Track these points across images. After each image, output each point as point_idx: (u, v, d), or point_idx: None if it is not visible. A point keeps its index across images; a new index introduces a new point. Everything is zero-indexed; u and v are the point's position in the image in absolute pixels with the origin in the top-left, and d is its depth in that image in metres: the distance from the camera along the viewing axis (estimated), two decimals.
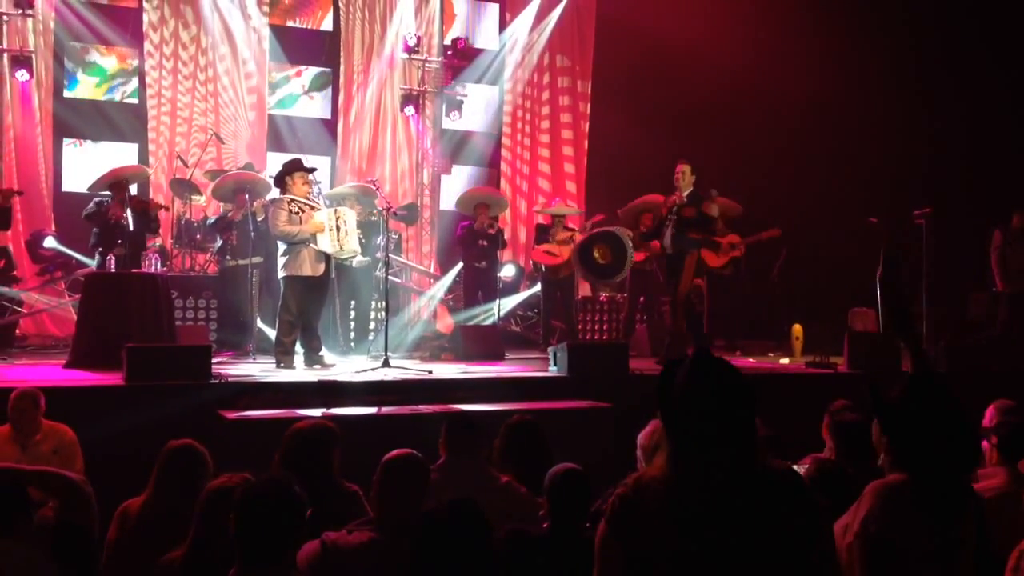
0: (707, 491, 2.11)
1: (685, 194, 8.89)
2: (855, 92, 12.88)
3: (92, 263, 9.54)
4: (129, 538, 3.68)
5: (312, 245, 8.07)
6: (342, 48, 13.49)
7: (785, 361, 9.81)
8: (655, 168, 12.28)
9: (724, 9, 12.98)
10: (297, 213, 8.09)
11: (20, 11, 11.41)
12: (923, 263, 9.57)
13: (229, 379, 6.88)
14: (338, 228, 8.09)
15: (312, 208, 8.21)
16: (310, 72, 13.49)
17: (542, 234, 11.22)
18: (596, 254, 9.83)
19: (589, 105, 14.74)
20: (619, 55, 14.07)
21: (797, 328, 10.65)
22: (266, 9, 13.02)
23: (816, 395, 5.66)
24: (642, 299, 11.10)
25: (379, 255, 9.65)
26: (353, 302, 10.37)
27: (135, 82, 12.57)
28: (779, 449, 4.34)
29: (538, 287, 11.36)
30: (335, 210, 8.29)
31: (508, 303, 11.43)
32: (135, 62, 12.54)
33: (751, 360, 9.86)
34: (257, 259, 9.44)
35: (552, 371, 7.90)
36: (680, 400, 2.18)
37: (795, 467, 4.05)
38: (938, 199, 10.07)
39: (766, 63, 12.73)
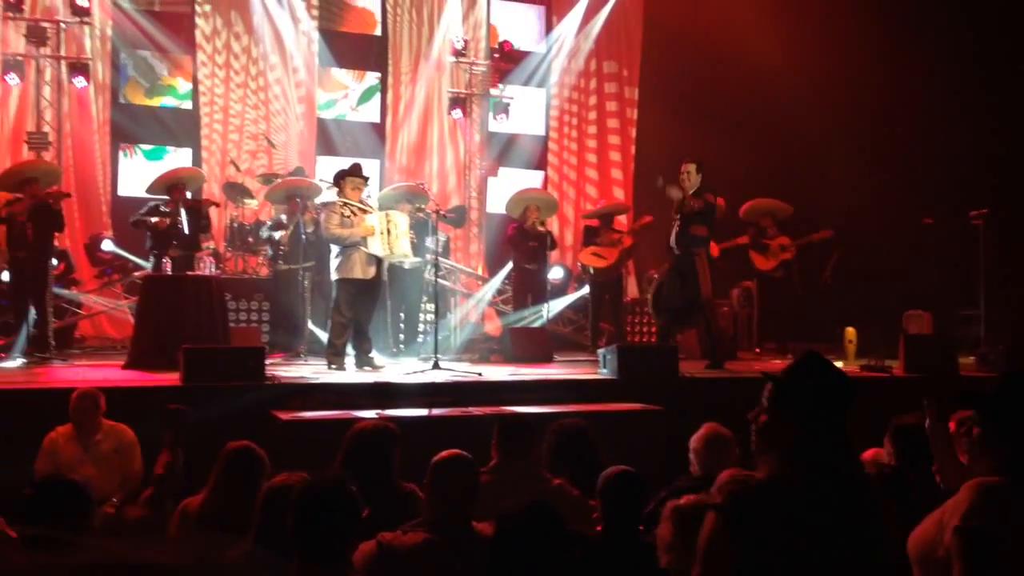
0: (818, 490, 2.14)
1: (691, 192, 8.86)
2: (909, 91, 12.67)
3: (148, 265, 9.74)
4: (191, 534, 3.75)
5: (363, 248, 8.16)
6: (390, 52, 13.61)
7: (839, 364, 9.67)
8: (704, 170, 12.21)
9: (773, 10, 12.85)
10: (349, 217, 8.19)
11: (78, 19, 11.67)
12: (981, 264, 9.39)
13: (282, 380, 6.98)
14: (388, 231, 8.17)
15: (364, 212, 8.29)
16: (356, 91, 13.63)
17: (590, 236, 11.21)
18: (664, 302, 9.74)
19: (636, 107, 14.70)
20: (667, 56, 14.00)
21: (850, 331, 10.49)
22: (315, 13, 13.19)
23: (871, 399, 5.56)
24: None
25: (429, 257, 9.71)
26: (403, 304, 10.45)
27: (188, 88, 12.81)
28: None
29: (586, 289, 11.34)
30: (386, 214, 8.37)
31: (556, 305, 11.42)
32: (188, 86, 12.76)
33: None
34: (308, 263, 9.55)
35: (602, 373, 7.88)
36: (800, 401, 2.21)
37: None
38: (995, 199, 9.87)
39: (816, 64, 12.58)
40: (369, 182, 8.77)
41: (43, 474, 5.18)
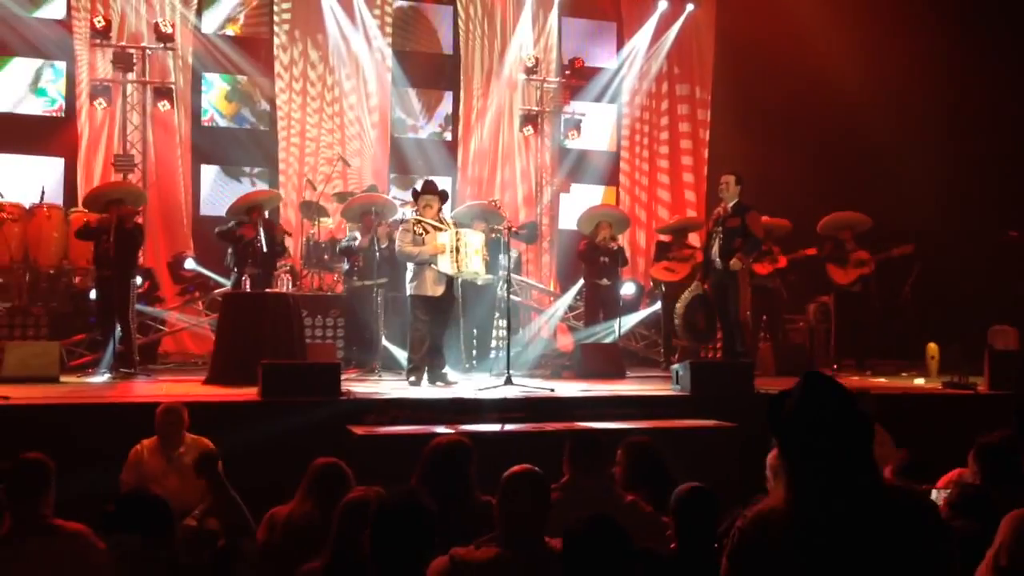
0: (829, 519, 2.04)
1: (730, 205, 8.75)
2: (991, 102, 12.35)
3: (228, 283, 10.00)
4: (276, 543, 3.87)
5: (433, 266, 8.24)
6: (462, 71, 13.77)
7: (920, 382, 9.43)
8: (778, 184, 12.08)
9: (848, 23, 12.65)
10: (422, 234, 8.28)
11: (162, 45, 12.08)
12: None
13: (357, 396, 7.08)
14: (458, 250, 8.22)
15: (437, 229, 8.38)
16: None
17: (662, 251, 11.15)
18: (698, 320, 9.68)
19: (708, 121, 14.60)
20: (739, 71, 13.89)
21: (932, 347, 10.22)
22: (389, 32, 13.42)
23: (956, 417, 5.43)
24: (765, 317, 10.89)
25: (501, 274, 9.76)
26: (475, 321, 10.51)
27: (265, 115, 13.16)
28: (926, 474, 4.20)
29: (658, 305, 11.27)
30: (457, 232, 8.43)
31: (628, 321, 11.37)
32: (265, 104, 13.12)
33: (883, 380, 9.52)
34: (382, 279, 9.69)
35: (675, 390, 7.81)
36: (793, 425, 2.12)
37: (934, 491, 3.92)
38: None
39: (893, 76, 12.36)
40: (445, 197, 8.84)
41: (128, 486, 5.35)
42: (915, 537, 2.06)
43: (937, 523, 2.12)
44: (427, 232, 8.30)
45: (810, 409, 2.11)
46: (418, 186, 8.70)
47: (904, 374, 10.13)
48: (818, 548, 2.04)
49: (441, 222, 8.47)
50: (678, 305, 9.51)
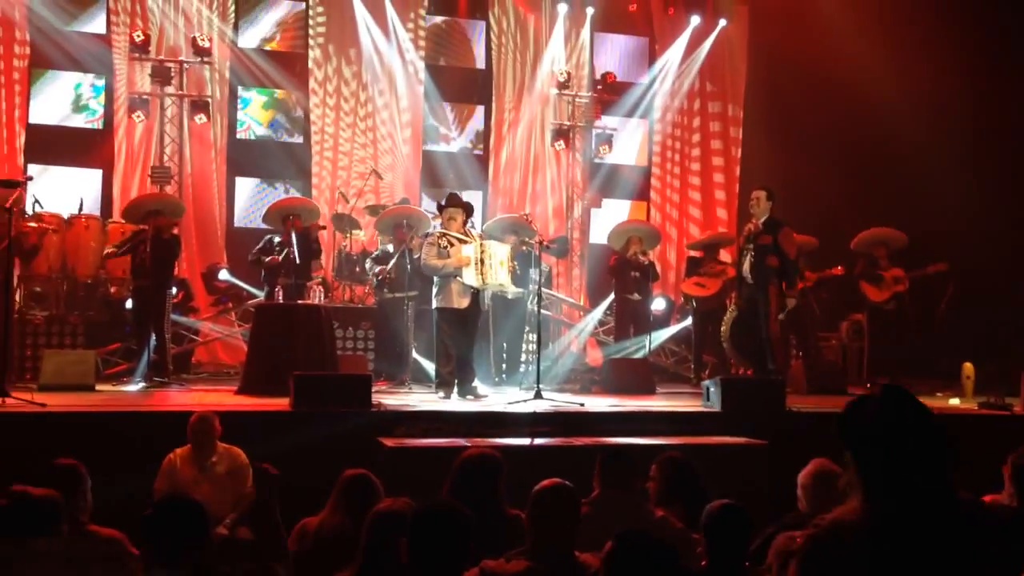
0: (905, 531, 2.05)
1: (761, 221, 8.70)
2: None
3: (261, 294, 10.10)
4: (307, 553, 3.91)
5: (458, 279, 8.25)
6: (494, 86, 13.84)
7: (955, 402, 9.31)
8: (811, 199, 12.01)
9: (883, 38, 12.56)
10: (446, 247, 8.29)
11: (199, 59, 12.25)
12: None
13: (387, 408, 7.11)
14: (482, 262, 8.22)
15: (462, 242, 8.39)
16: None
17: (693, 267, 11.11)
18: (745, 341, 9.65)
19: (741, 136, 14.56)
20: (772, 86, 13.84)
21: (968, 367, 10.08)
22: (422, 48, 13.53)
23: (991, 438, 5.35)
24: (795, 334, 10.81)
25: (532, 288, 9.78)
26: (505, 334, 10.53)
27: (299, 123, 13.31)
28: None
29: (689, 320, 11.23)
30: (481, 244, 8.42)
31: (658, 336, 11.34)
32: (299, 111, 13.29)
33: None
34: (413, 292, 9.74)
35: (705, 406, 7.77)
36: (870, 436, 2.13)
37: None
38: None
39: (929, 91, 12.24)
40: (470, 209, 8.86)
41: (163, 493, 5.41)
42: (989, 550, 2.07)
43: (1011, 537, 2.13)
44: (452, 245, 8.31)
45: (889, 421, 2.13)
46: (443, 200, 8.74)
47: (939, 394, 10.00)
48: (894, 560, 2.04)
49: (466, 235, 8.49)
50: (723, 329, 9.50)
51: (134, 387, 8.72)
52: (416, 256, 9.68)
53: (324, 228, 11.22)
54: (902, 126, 12.57)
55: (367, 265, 10.81)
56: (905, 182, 12.55)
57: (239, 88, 13.13)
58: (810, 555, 2.12)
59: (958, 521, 2.09)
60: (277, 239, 9.61)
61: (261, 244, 9.73)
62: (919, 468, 2.09)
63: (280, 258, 9.39)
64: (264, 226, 10.40)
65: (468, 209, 8.70)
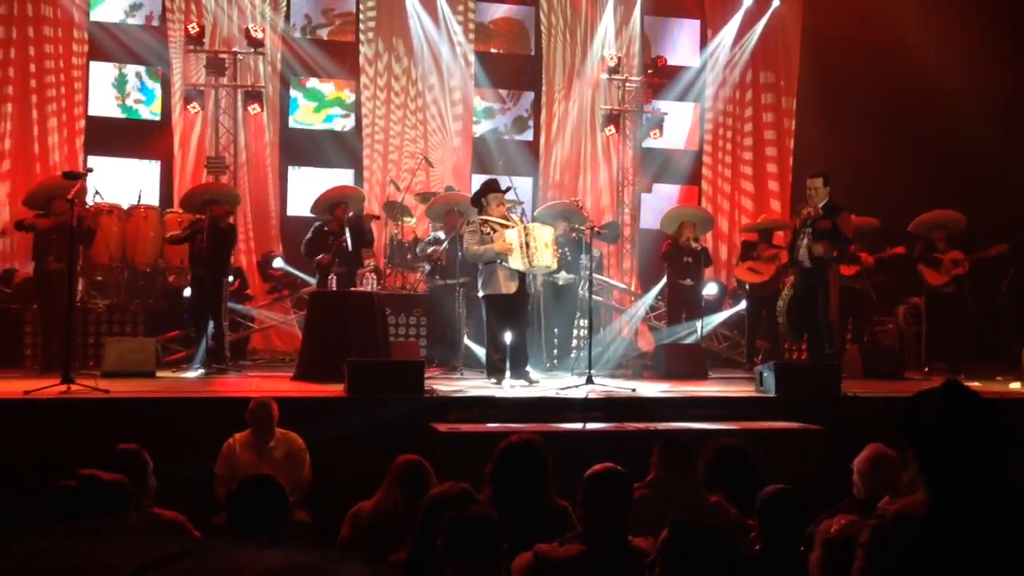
0: (971, 524, 2.06)
1: (820, 206, 8.55)
2: None
3: (314, 282, 10.23)
4: (361, 537, 3.98)
5: (503, 264, 8.26)
6: (544, 71, 13.80)
7: (1016, 386, 9.12)
8: (867, 181, 11.81)
9: (937, 14, 12.28)
10: (489, 234, 8.27)
11: (253, 49, 12.41)
12: None
13: (440, 394, 7.18)
14: (527, 245, 8.17)
15: (504, 227, 8.35)
16: (509, 115, 13.91)
17: (747, 251, 11.01)
18: (800, 319, 9.55)
19: (794, 120, 14.34)
20: (826, 66, 13.61)
21: None
22: (472, 34, 13.55)
23: None
24: (852, 319, 10.66)
25: (584, 273, 9.76)
26: (557, 320, 10.53)
27: (352, 112, 13.43)
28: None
29: (742, 305, 11.13)
30: (524, 227, 8.38)
31: (711, 321, 11.26)
32: (352, 95, 13.43)
33: (976, 384, 9.23)
34: (464, 278, 9.78)
35: (759, 391, 7.71)
36: (933, 433, 2.14)
37: None
38: None
39: (987, 65, 11.94)
40: (520, 194, 8.83)
41: (221, 478, 5.54)
42: None
43: None
44: (494, 231, 8.29)
45: (949, 416, 2.14)
46: (481, 187, 8.71)
47: (999, 378, 9.80)
48: (959, 553, 2.05)
49: (507, 219, 8.48)
50: (779, 304, 9.44)
51: (193, 373, 8.90)
52: (462, 244, 9.71)
53: (377, 218, 11.31)
54: (961, 107, 12.29)
55: (419, 249, 10.88)
56: (965, 163, 12.28)
57: (289, 91, 13.25)
58: (876, 546, 2.13)
59: (1021, 513, 2.08)
60: (326, 227, 9.73)
61: (310, 235, 9.85)
62: (980, 462, 2.10)
63: (331, 253, 9.52)
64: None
65: (505, 192, 8.64)
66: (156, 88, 13.03)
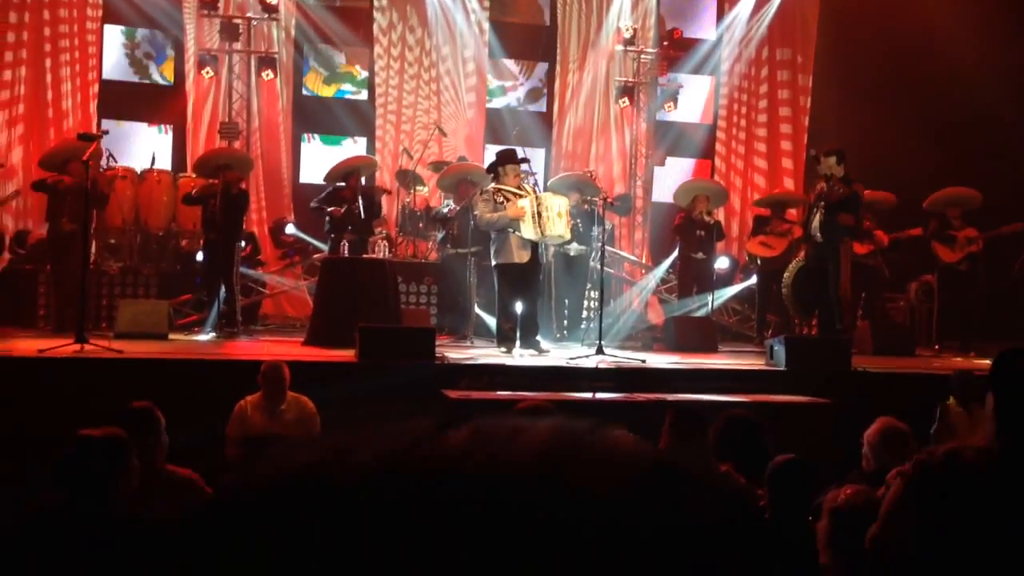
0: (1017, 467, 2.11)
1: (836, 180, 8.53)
2: None
3: (326, 248, 10.25)
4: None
5: (516, 233, 8.24)
6: (559, 41, 13.71)
7: None
8: (882, 156, 11.72)
9: None
10: (502, 203, 8.26)
11: (267, 15, 12.35)
12: None
13: (451, 361, 7.21)
14: (539, 214, 8.16)
15: (517, 196, 8.32)
16: (524, 88, 13.84)
17: (759, 225, 10.98)
18: (805, 292, 9.51)
19: (810, 88, 14.22)
20: (844, 39, 13.48)
21: None
22: (487, 4, 13.45)
23: None
24: (864, 294, 10.63)
25: (596, 245, 9.76)
26: (567, 291, 10.54)
27: (363, 89, 13.37)
28: None
29: (753, 280, 11.12)
30: (536, 196, 8.37)
31: (722, 295, 11.25)
32: (363, 72, 13.36)
33: (987, 362, 9.20)
34: (476, 247, 9.78)
35: (769, 364, 7.72)
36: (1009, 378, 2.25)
37: None
38: None
39: (1009, 41, 11.81)
40: (533, 165, 8.82)
41: (233, 439, 5.59)
42: None
43: None
44: (507, 200, 8.27)
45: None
46: (497, 155, 8.70)
47: None
48: (1015, 493, 2.10)
49: (521, 189, 8.47)
50: (785, 275, 9.40)
51: (205, 337, 8.96)
52: (475, 213, 9.71)
53: (388, 192, 11.29)
54: (979, 84, 12.16)
55: (434, 213, 10.87)
56: (982, 141, 12.18)
57: (303, 57, 13.20)
58: (922, 480, 2.15)
59: None
60: (339, 195, 9.74)
61: (324, 194, 9.86)
62: None
63: (343, 211, 9.51)
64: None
65: (522, 162, 8.64)
66: (167, 48, 12.93)
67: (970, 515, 2.07)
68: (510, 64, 13.91)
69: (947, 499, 2.09)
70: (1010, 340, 10.38)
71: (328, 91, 13.50)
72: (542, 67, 14.04)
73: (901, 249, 10.94)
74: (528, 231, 8.19)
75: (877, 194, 10.39)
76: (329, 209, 9.65)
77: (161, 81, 13.01)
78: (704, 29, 14.31)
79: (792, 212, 11.36)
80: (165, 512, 3.86)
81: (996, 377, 2.32)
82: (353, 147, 13.06)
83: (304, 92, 13.30)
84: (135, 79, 12.89)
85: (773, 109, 14.29)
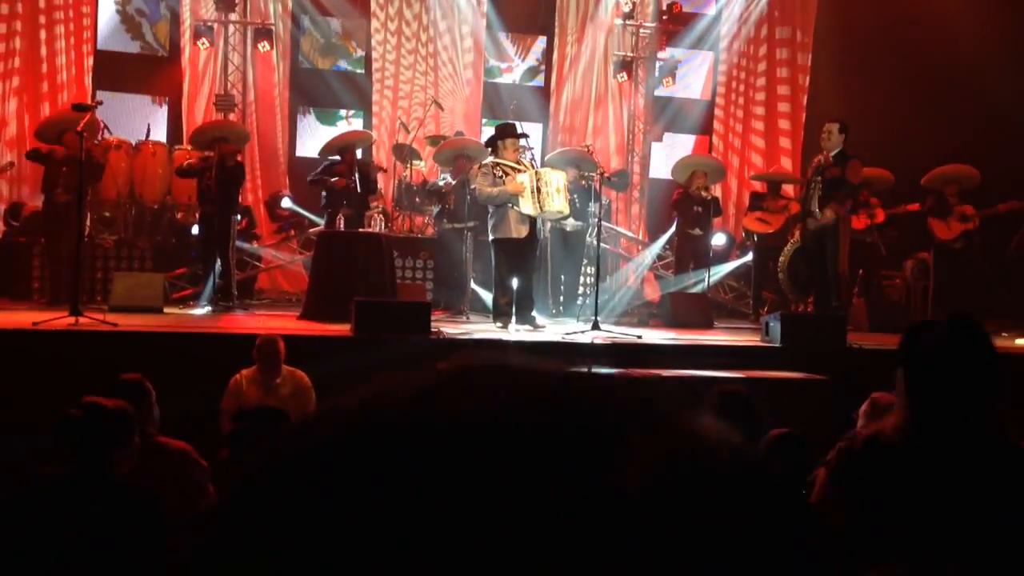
0: (943, 452, 2.06)
1: (832, 154, 8.45)
2: None
3: (322, 222, 10.21)
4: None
5: (514, 208, 8.22)
6: (557, 15, 13.60)
7: (1022, 342, 9.12)
8: (881, 133, 11.67)
9: None
10: (501, 177, 8.23)
11: None
12: None
13: (446, 336, 7.20)
14: (538, 190, 8.14)
15: (516, 171, 8.31)
16: (521, 68, 13.75)
17: (756, 202, 10.96)
18: (801, 273, 9.49)
19: (808, 66, 14.15)
20: (843, 13, 13.39)
21: None
22: None
23: None
24: (861, 271, 10.63)
25: (593, 221, 9.73)
26: (563, 267, 10.52)
27: (359, 68, 13.27)
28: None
29: (749, 256, 11.11)
30: (536, 172, 8.35)
31: (717, 272, 11.24)
32: (360, 51, 13.24)
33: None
34: (472, 222, 9.76)
35: (764, 340, 7.73)
36: (931, 358, 2.14)
37: None
38: None
39: (1012, 18, 11.73)
40: (528, 140, 8.79)
41: (227, 413, 5.58)
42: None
43: None
44: (506, 174, 8.24)
45: (953, 346, 2.14)
46: (496, 129, 8.66)
47: (1004, 334, 9.78)
48: (924, 478, 2.06)
49: (519, 163, 8.44)
50: (781, 258, 9.38)
51: (200, 310, 8.94)
52: (472, 187, 9.67)
53: (384, 170, 11.23)
54: (980, 59, 12.10)
55: (429, 186, 10.83)
56: (982, 117, 12.12)
57: (296, 34, 13.09)
58: (842, 465, 2.15)
59: (997, 456, 2.07)
60: (336, 168, 9.69)
61: (320, 168, 9.81)
62: (970, 397, 2.10)
63: (343, 183, 9.48)
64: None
65: (521, 137, 8.61)
66: (161, 8, 12.75)
67: (893, 492, 2.07)
68: (507, 45, 13.80)
69: (870, 481, 2.10)
70: (1005, 318, 10.42)
71: (325, 64, 13.40)
72: (539, 46, 13.92)
73: (897, 225, 10.92)
74: (527, 206, 8.17)
75: (874, 171, 10.36)
76: (331, 180, 9.59)
77: (154, 44, 12.85)
78: (703, 4, 14.20)
79: (788, 190, 11.32)
80: (158, 483, 3.87)
81: (905, 352, 2.26)
82: (348, 127, 12.98)
83: (301, 63, 13.19)
84: (129, 41, 12.68)
85: (771, 84, 14.22)
